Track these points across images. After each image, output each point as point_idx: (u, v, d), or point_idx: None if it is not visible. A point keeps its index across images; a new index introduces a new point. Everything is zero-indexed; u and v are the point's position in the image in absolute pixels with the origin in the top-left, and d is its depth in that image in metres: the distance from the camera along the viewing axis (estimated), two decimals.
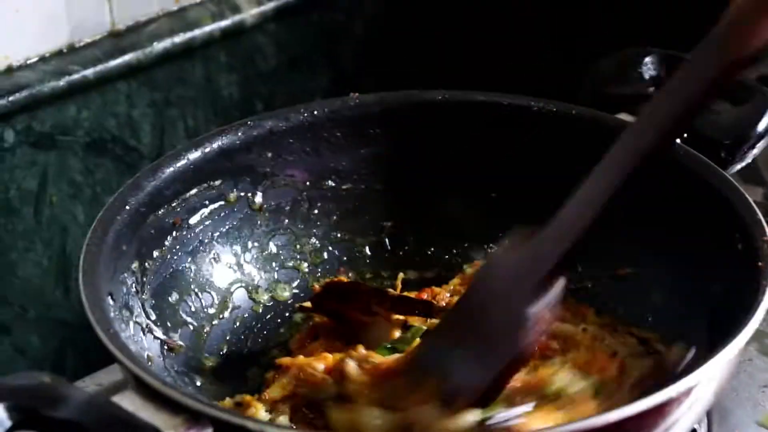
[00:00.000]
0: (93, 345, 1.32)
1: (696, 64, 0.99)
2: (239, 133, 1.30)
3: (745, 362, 1.30)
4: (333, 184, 1.37)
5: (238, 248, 1.31)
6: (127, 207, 1.17)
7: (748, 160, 1.28)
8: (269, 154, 1.33)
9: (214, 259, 1.29)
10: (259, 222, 1.34)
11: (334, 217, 1.38)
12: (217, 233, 1.30)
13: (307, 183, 1.36)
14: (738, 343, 0.97)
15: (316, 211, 1.37)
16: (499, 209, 1.35)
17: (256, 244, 1.33)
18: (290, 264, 1.35)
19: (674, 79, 1.01)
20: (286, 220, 1.36)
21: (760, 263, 1.06)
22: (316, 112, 1.34)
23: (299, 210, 1.36)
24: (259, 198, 1.33)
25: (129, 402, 0.92)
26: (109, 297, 1.09)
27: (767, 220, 1.22)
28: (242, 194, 1.32)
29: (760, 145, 1.27)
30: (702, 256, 1.18)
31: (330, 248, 1.37)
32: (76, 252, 1.46)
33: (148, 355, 1.14)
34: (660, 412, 0.94)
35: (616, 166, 1.03)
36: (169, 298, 1.23)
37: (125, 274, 1.15)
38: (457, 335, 1.07)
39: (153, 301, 1.20)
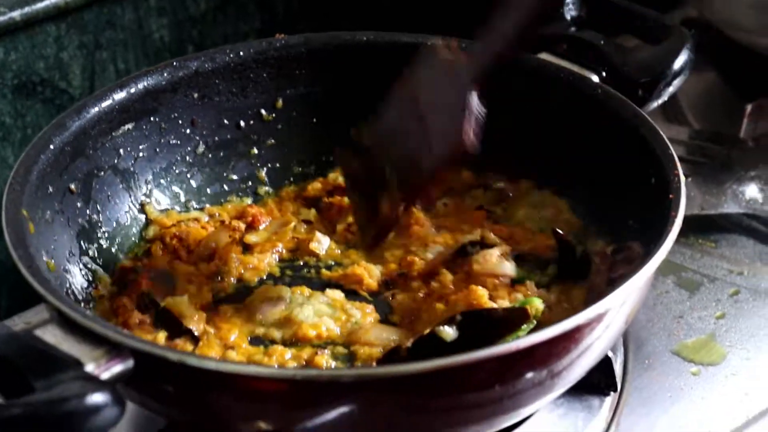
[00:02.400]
0: (26, 284, 1.34)
1: None
2: (165, 74, 1.31)
3: (662, 294, 1.33)
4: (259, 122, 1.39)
5: (163, 185, 1.33)
6: (51, 147, 1.18)
7: (665, 97, 1.30)
8: (195, 95, 1.34)
9: (142, 197, 1.31)
10: (186, 158, 1.35)
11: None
12: (147, 171, 1.32)
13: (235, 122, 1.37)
14: (647, 270, 1.00)
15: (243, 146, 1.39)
16: None
17: (181, 181, 1.35)
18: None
19: None
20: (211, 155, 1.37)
21: (671, 195, 1.09)
22: (242, 53, 1.35)
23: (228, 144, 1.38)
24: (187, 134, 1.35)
25: (51, 335, 0.94)
26: (33, 234, 1.09)
27: (692, 159, 1.26)
28: (169, 135, 1.33)
29: (676, 83, 1.29)
30: (619, 190, 1.22)
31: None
32: None
33: (70, 291, 1.16)
34: (572, 337, 0.97)
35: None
36: (97, 235, 1.24)
37: (48, 213, 1.16)
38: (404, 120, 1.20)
39: (77, 239, 1.21)
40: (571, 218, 1.28)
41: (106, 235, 1.26)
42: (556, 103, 1.30)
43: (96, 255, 1.23)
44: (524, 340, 0.93)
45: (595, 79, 1.30)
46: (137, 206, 1.30)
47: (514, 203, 1.33)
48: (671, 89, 1.30)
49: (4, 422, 0.83)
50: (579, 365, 1.02)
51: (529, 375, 0.97)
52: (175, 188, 1.34)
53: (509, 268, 1.19)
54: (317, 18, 1.76)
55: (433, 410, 0.96)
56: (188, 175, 1.35)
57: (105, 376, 0.90)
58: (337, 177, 1.37)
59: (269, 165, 1.40)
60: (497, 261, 1.19)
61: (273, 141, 1.39)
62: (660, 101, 1.30)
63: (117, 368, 0.91)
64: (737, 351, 1.25)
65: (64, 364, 0.90)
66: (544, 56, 1.34)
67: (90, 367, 0.90)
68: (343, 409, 0.93)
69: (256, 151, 1.39)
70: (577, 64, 1.32)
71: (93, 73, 1.56)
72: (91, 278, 1.21)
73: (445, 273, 1.20)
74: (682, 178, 1.11)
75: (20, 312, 1.34)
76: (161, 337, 1.12)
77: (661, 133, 1.17)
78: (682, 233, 1.05)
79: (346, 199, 1.31)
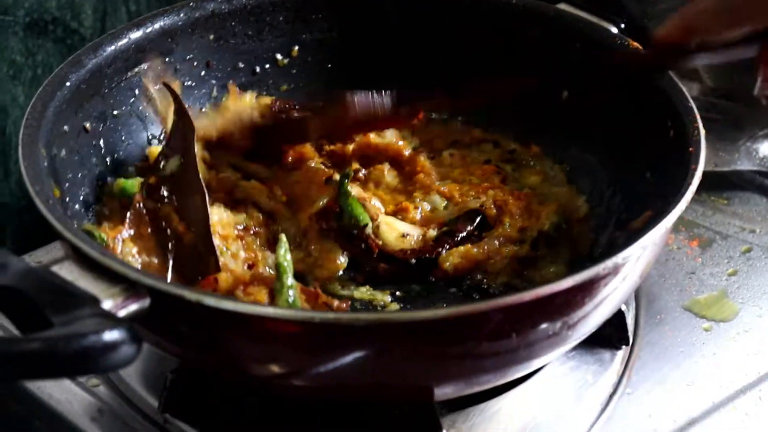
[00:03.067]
0: (32, 225, 1.34)
1: None
2: (181, 14, 1.30)
3: (674, 250, 1.33)
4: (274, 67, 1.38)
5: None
6: (68, 84, 1.17)
7: None
8: (211, 37, 1.33)
9: (156, 139, 1.30)
10: (200, 101, 1.35)
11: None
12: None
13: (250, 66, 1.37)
14: (665, 223, 0.99)
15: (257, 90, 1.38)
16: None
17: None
18: None
19: None
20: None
21: (690, 148, 1.09)
22: None
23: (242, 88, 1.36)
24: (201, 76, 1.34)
25: (68, 272, 0.93)
26: (49, 169, 1.09)
27: (705, 116, 1.25)
28: (183, 76, 1.32)
29: None
30: (637, 143, 1.21)
31: None
32: (15, 134, 1.46)
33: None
34: (588, 288, 0.96)
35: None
36: (110, 175, 1.24)
37: (64, 150, 1.15)
38: None
39: (90, 178, 1.21)
40: (577, 200, 1.27)
41: (121, 174, 1.25)
42: (573, 53, 1.29)
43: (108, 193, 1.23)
44: (542, 289, 0.92)
45: (614, 30, 1.29)
46: (151, 146, 1.29)
47: (525, 168, 1.33)
48: None
49: (22, 356, 0.82)
50: (593, 317, 1.02)
51: (545, 325, 0.96)
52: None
53: None
54: None
55: (449, 357, 0.96)
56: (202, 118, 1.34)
57: (122, 313, 0.90)
58: None
59: None
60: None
61: (288, 86, 1.38)
62: None
63: (134, 306, 0.91)
64: (749, 308, 1.25)
65: (81, 300, 0.90)
66: (562, 6, 1.33)
67: (107, 305, 0.90)
68: (358, 354, 0.92)
69: (270, 95, 1.38)
70: (596, 15, 1.31)
71: (105, 14, 1.55)
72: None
73: None
74: (702, 130, 1.10)
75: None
76: None
77: (681, 85, 1.16)
78: (696, 190, 1.04)
79: (349, 147, 1.32)
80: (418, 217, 1.23)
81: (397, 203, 1.25)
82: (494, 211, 1.23)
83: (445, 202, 1.25)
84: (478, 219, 1.22)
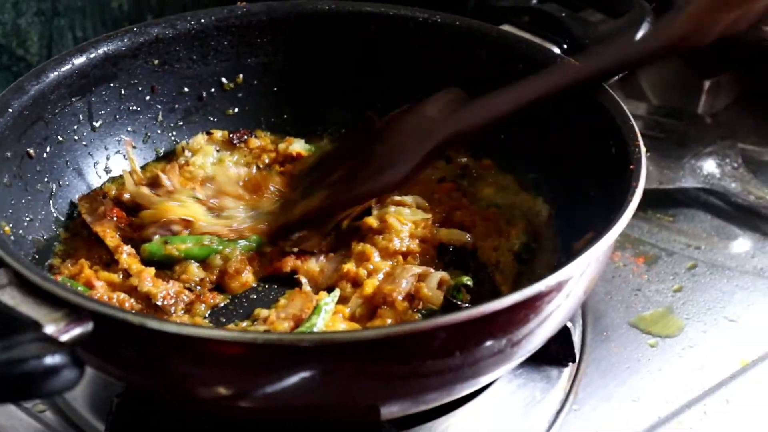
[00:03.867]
0: None
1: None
2: (125, 39, 1.30)
3: (620, 267, 1.34)
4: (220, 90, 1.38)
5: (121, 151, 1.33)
6: (10, 110, 1.16)
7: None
8: (156, 61, 1.33)
9: (100, 163, 1.30)
10: (146, 125, 1.35)
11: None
12: (106, 137, 1.31)
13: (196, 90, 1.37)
14: (608, 239, 1.00)
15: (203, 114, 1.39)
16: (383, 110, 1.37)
17: (140, 148, 1.34)
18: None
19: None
20: (171, 123, 1.37)
21: (631, 166, 1.10)
22: (203, 20, 1.34)
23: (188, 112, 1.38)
24: (147, 101, 1.34)
25: (9, 297, 0.93)
26: None
27: (651, 135, 1.27)
28: (129, 101, 1.32)
29: None
30: (580, 161, 1.22)
31: None
32: None
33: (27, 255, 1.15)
34: (532, 305, 0.97)
35: (528, 91, 1.20)
36: (56, 200, 1.24)
37: (7, 177, 1.15)
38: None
39: (36, 204, 1.21)
40: (536, 203, 1.28)
41: (65, 200, 1.25)
42: (517, 74, 1.29)
43: (55, 218, 1.23)
44: (485, 306, 0.93)
45: (556, 50, 1.30)
46: (95, 171, 1.29)
47: (478, 181, 1.33)
48: None
49: None
50: (539, 334, 1.02)
51: (489, 342, 0.97)
52: (136, 153, 1.33)
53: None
54: None
55: (394, 376, 0.96)
56: (148, 142, 1.34)
57: (64, 338, 0.90)
58: (286, 147, 1.36)
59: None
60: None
61: (234, 110, 1.39)
62: (621, 74, 1.30)
63: (76, 330, 0.91)
64: (694, 323, 1.26)
65: (22, 325, 0.89)
66: (506, 27, 1.34)
67: (49, 329, 0.89)
68: (303, 374, 0.92)
69: (216, 119, 1.38)
70: (539, 36, 1.32)
71: (51, 41, 1.55)
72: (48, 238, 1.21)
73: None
74: (643, 149, 1.11)
75: None
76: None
77: (622, 104, 1.18)
78: (641, 207, 1.05)
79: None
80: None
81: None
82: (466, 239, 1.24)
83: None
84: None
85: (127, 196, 1.27)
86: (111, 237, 1.21)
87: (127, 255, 1.19)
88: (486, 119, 1.21)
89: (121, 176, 1.30)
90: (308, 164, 1.32)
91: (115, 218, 1.24)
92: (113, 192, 1.28)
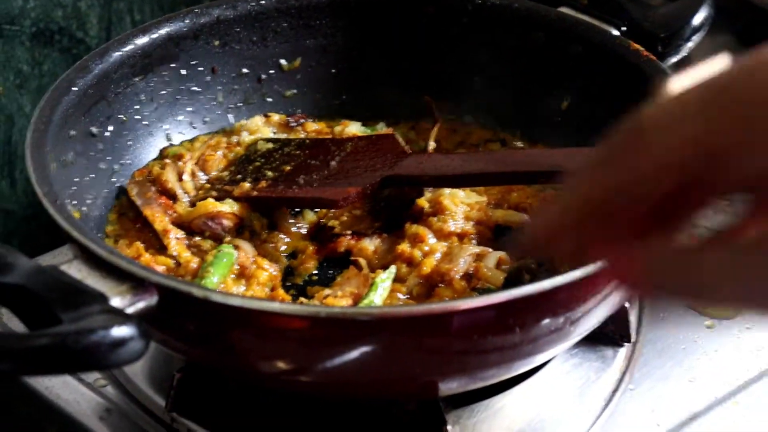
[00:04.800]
0: (39, 233, 1.35)
1: None
2: (186, 20, 1.32)
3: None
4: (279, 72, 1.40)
5: (183, 131, 1.34)
6: (75, 88, 1.18)
7: (684, 53, 1.31)
8: (216, 42, 1.34)
9: (162, 142, 1.32)
10: (206, 106, 1.36)
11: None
12: (167, 117, 1.33)
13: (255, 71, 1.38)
14: None
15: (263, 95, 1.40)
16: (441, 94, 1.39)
17: (200, 129, 1.36)
18: None
19: None
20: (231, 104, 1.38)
21: None
22: (263, 2, 1.36)
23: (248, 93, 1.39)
24: (207, 81, 1.36)
25: (76, 270, 0.94)
26: (55, 175, 1.10)
27: None
28: (189, 82, 1.33)
29: (694, 39, 1.30)
30: None
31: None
32: (22, 143, 1.46)
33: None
34: (589, 284, 0.97)
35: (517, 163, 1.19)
36: (113, 179, 1.26)
37: (71, 154, 1.17)
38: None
39: (98, 182, 1.23)
40: None
41: (126, 179, 1.26)
42: (574, 56, 1.31)
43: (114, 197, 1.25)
44: (545, 283, 0.93)
45: (615, 32, 1.30)
46: (157, 151, 1.31)
47: None
48: (690, 45, 1.30)
49: (32, 351, 0.83)
50: (596, 313, 1.03)
51: (548, 320, 0.97)
52: (194, 133, 1.35)
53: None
54: None
55: (453, 352, 0.97)
56: (208, 122, 1.36)
57: (130, 310, 0.91)
58: (342, 130, 1.37)
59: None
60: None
61: (293, 91, 1.40)
62: (679, 56, 1.30)
63: (141, 303, 0.92)
64: None
65: (90, 297, 0.90)
66: (564, 10, 1.34)
67: (116, 302, 0.91)
68: (364, 349, 0.94)
69: (275, 100, 1.39)
70: (597, 18, 1.32)
71: (110, 23, 1.57)
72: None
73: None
74: None
75: None
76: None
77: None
78: None
79: None
80: None
81: None
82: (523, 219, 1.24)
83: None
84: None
85: (169, 185, 1.27)
86: (160, 221, 1.22)
87: (175, 241, 1.20)
88: (436, 174, 1.21)
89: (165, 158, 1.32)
90: (260, 150, 1.32)
91: (162, 203, 1.25)
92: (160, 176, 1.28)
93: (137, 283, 0.93)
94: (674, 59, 1.30)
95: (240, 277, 1.17)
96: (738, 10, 1.71)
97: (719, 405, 1.14)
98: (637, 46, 1.26)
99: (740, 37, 1.74)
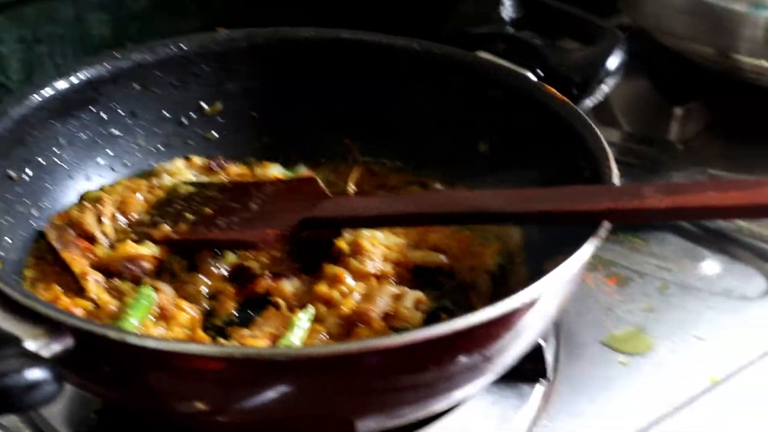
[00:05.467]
0: None
1: None
2: (106, 65, 1.32)
3: (592, 288, 1.36)
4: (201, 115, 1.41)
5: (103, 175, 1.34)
6: None
7: (599, 96, 1.34)
8: (136, 86, 1.35)
9: (81, 186, 1.32)
10: (127, 149, 1.37)
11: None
12: (87, 160, 1.33)
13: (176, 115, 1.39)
14: (578, 258, 1.02)
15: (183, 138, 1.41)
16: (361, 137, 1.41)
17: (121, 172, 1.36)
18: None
19: None
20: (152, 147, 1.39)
21: None
22: (184, 46, 1.37)
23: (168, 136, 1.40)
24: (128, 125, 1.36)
25: None
26: None
27: (623, 161, 1.29)
28: (109, 125, 1.34)
29: (609, 82, 1.33)
30: (553, 184, 1.24)
31: None
32: None
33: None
34: (504, 321, 0.99)
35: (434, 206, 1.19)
36: (31, 224, 1.25)
37: None
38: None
39: (16, 229, 1.22)
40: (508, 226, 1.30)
41: (45, 223, 1.26)
42: (492, 100, 1.33)
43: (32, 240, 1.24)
44: (460, 321, 0.94)
45: (532, 77, 1.33)
46: (77, 195, 1.31)
47: None
48: (605, 88, 1.33)
49: None
50: (512, 350, 1.04)
51: (464, 358, 0.98)
52: (115, 176, 1.35)
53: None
54: (256, 18, 1.77)
55: (369, 390, 0.98)
56: (128, 165, 1.36)
57: (45, 353, 0.91)
58: (264, 172, 1.38)
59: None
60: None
61: (214, 134, 1.41)
62: (594, 100, 1.33)
63: (57, 346, 0.92)
64: (664, 342, 1.28)
65: (3, 340, 0.91)
66: (482, 54, 1.37)
67: (30, 345, 0.91)
68: (280, 389, 0.94)
69: (196, 143, 1.40)
70: (514, 62, 1.35)
71: (32, 67, 1.57)
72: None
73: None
74: (616, 171, 1.13)
75: None
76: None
77: (595, 128, 1.20)
78: (613, 230, 1.07)
79: None
80: None
81: None
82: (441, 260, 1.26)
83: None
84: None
85: (88, 229, 1.27)
86: (79, 264, 1.22)
87: (94, 284, 1.20)
88: (356, 216, 1.21)
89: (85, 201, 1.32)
90: (181, 193, 1.33)
91: (81, 246, 1.25)
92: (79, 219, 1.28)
93: (53, 327, 0.93)
94: (590, 102, 1.33)
95: (160, 319, 1.16)
96: (653, 55, 1.75)
97: None
98: (553, 90, 1.28)
99: (656, 82, 1.79)
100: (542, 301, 1.02)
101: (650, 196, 1.06)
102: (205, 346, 1.02)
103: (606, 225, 1.06)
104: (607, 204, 1.07)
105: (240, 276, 1.24)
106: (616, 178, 1.13)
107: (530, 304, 1.00)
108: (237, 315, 1.21)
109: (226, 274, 1.25)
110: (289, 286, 1.22)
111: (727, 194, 1.04)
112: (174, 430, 1.10)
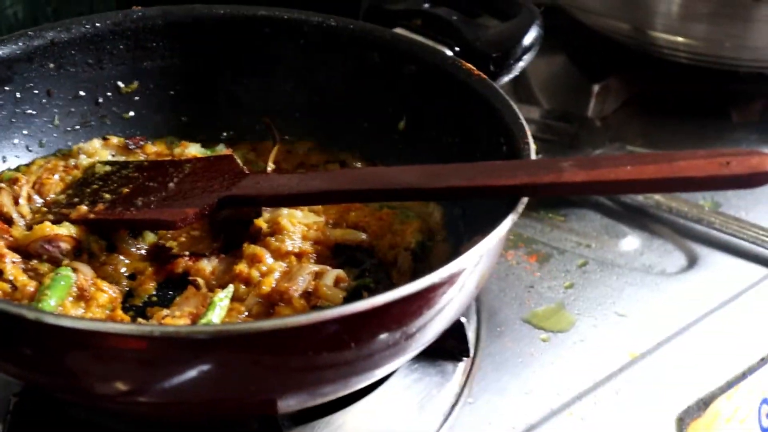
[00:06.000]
0: None
1: None
2: (20, 43, 1.30)
3: (513, 266, 1.37)
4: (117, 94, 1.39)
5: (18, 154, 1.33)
6: None
7: (516, 72, 1.34)
8: (51, 65, 1.33)
9: None
10: (42, 129, 1.35)
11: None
12: (3, 141, 1.32)
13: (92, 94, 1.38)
14: (499, 231, 1.02)
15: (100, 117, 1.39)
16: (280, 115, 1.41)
17: (36, 151, 1.35)
18: None
19: None
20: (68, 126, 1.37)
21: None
22: (98, 24, 1.35)
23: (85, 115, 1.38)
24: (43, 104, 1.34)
25: None
26: None
27: (542, 137, 1.29)
28: (24, 104, 1.32)
29: (526, 58, 1.33)
30: (471, 160, 1.24)
31: None
32: None
33: None
34: (426, 297, 0.99)
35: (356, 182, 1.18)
36: None
37: None
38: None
39: None
40: (428, 204, 1.30)
41: None
42: (409, 76, 1.33)
43: None
44: (378, 297, 0.94)
45: (449, 53, 1.33)
46: None
47: None
48: (522, 64, 1.33)
49: None
50: (433, 326, 1.04)
51: (384, 335, 0.98)
52: (31, 156, 1.33)
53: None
54: None
55: (289, 368, 0.97)
56: (45, 145, 1.34)
57: None
58: (182, 152, 1.37)
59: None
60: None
61: (132, 113, 1.39)
62: (511, 75, 1.33)
63: None
64: (585, 318, 1.29)
65: None
66: (398, 31, 1.36)
67: None
68: (200, 367, 0.93)
69: (113, 122, 1.38)
70: (431, 39, 1.35)
71: None
72: None
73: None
74: (533, 146, 1.14)
75: None
76: None
77: (512, 103, 1.20)
78: (533, 208, 1.08)
79: None
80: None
81: None
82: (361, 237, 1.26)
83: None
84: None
85: (4, 209, 1.25)
86: None
87: (11, 265, 1.18)
88: (277, 194, 1.21)
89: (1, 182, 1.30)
90: (98, 173, 1.32)
91: None
92: None
93: None
94: (507, 78, 1.33)
95: (79, 299, 1.15)
96: (570, 31, 1.76)
97: (554, 416, 1.17)
98: (469, 65, 1.28)
99: (573, 58, 1.80)
100: (462, 277, 1.02)
101: (567, 170, 1.06)
102: (123, 324, 1.01)
103: (523, 200, 1.06)
104: (524, 178, 1.07)
105: (159, 256, 1.23)
106: (533, 153, 1.13)
107: (449, 280, 1.00)
108: (157, 295, 1.20)
109: (144, 254, 1.24)
110: (208, 265, 1.21)
111: (643, 168, 1.05)
112: (97, 413, 1.09)
